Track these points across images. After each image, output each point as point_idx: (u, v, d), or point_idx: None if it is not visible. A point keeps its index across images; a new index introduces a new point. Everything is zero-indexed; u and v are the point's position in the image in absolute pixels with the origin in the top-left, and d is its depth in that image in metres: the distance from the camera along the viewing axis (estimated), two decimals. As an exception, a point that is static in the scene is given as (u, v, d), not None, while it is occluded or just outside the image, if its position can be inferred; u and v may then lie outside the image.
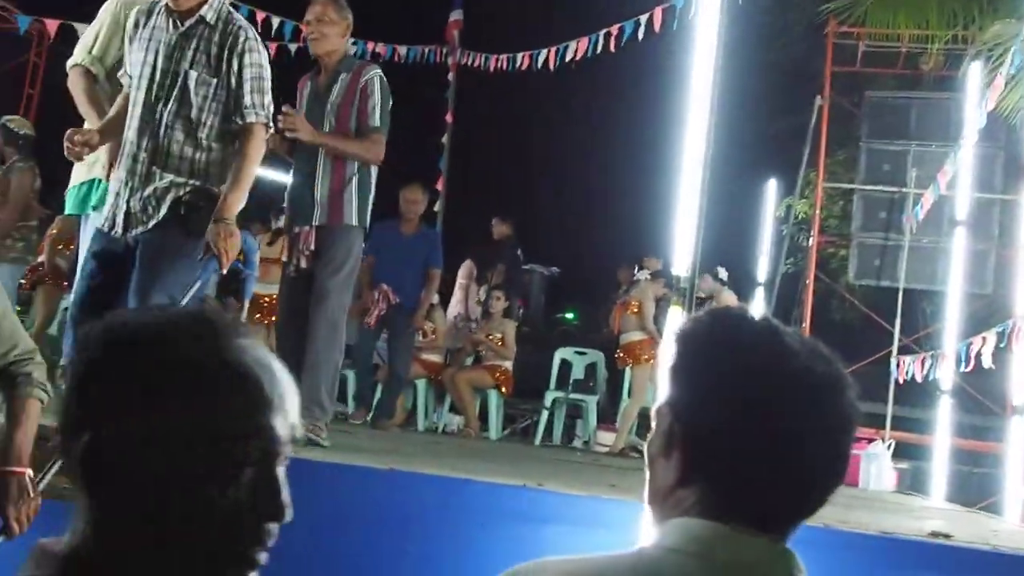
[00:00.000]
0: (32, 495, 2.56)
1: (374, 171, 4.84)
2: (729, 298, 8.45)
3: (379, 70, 4.86)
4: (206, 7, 3.50)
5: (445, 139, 12.69)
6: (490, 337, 8.48)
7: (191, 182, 3.49)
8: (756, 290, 11.86)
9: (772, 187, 12.23)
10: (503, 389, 8.38)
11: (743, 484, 1.17)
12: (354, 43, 11.18)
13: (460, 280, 9.74)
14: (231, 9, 3.60)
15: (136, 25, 3.62)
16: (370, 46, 11.27)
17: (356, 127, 4.74)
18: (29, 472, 2.56)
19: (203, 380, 1.00)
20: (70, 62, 4.27)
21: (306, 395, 4.46)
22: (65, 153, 3.59)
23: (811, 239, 10.52)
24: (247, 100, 3.50)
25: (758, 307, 11.51)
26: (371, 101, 4.71)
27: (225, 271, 3.55)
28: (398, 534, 3.39)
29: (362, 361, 7.75)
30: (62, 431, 1.02)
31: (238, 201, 3.48)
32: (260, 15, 9.87)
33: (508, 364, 8.46)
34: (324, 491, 3.59)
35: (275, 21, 10.04)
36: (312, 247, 4.64)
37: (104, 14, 4.27)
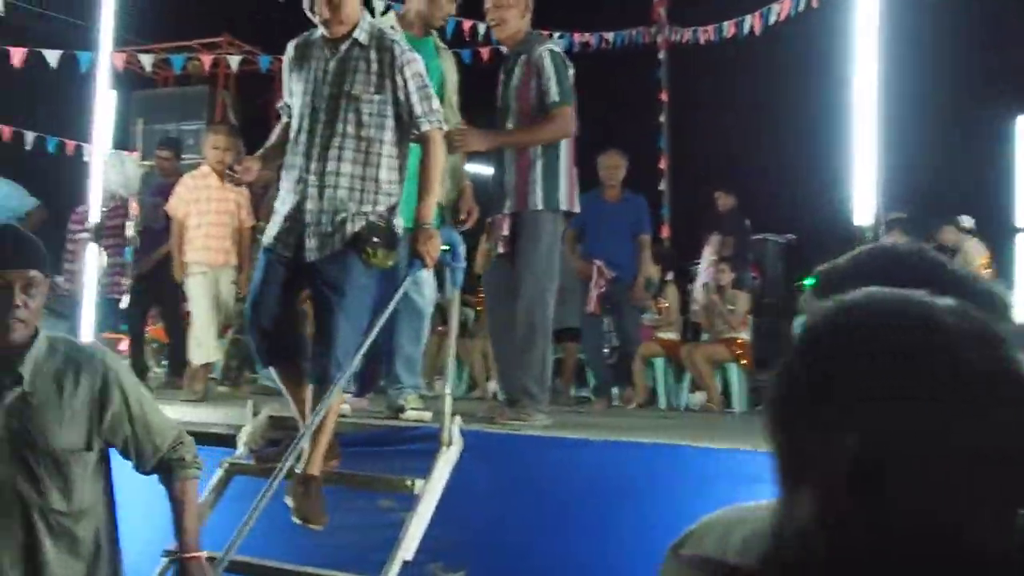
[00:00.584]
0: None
1: (564, 152, 4.78)
2: (975, 248, 7.90)
3: (552, 44, 4.86)
4: (358, 30, 3.66)
5: (663, 118, 12.73)
6: (729, 310, 8.40)
7: (364, 210, 3.63)
8: (1015, 237, 11.05)
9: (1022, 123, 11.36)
10: (743, 361, 8.28)
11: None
12: (560, 36, 11.39)
13: (710, 256, 9.63)
14: (381, 28, 3.78)
15: (293, 57, 3.81)
16: (576, 37, 11.43)
17: (538, 107, 4.73)
18: (204, 555, 2.83)
19: (990, 389, 0.83)
20: None
21: (515, 385, 4.65)
22: (227, 181, 3.89)
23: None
24: (418, 110, 3.65)
25: (1020, 255, 10.77)
26: (544, 77, 4.68)
27: (430, 269, 3.79)
28: (616, 500, 3.51)
29: (592, 350, 7.70)
30: (810, 424, 0.87)
31: (431, 205, 3.68)
32: (467, 22, 10.22)
33: (745, 336, 8.35)
34: (542, 463, 3.77)
35: (482, 27, 10.36)
36: (506, 233, 4.76)
37: None
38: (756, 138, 12.75)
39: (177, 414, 5.01)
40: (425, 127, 3.68)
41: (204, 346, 6.13)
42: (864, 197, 2.82)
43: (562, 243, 5.12)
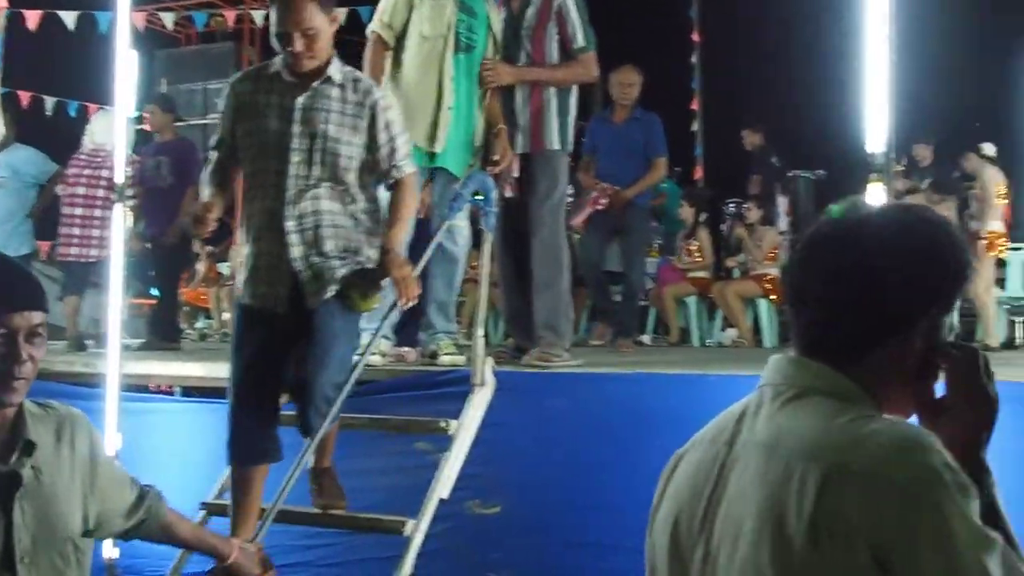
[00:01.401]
0: (256, 549, 2.81)
1: (574, 94, 4.89)
2: (993, 175, 7.74)
3: None
4: (332, 67, 3.37)
5: (695, 59, 12.65)
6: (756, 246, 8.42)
7: (346, 255, 3.39)
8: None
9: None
10: (772, 297, 8.28)
11: (795, 321, 1.40)
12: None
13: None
14: (353, 70, 3.51)
15: (246, 92, 3.44)
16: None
17: (562, 51, 4.80)
18: (238, 543, 2.72)
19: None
20: (369, 28, 4.59)
21: (539, 322, 4.66)
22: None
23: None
24: (399, 156, 3.44)
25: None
26: (569, 24, 4.77)
27: (408, 303, 3.44)
28: (646, 432, 3.56)
29: (590, 275, 7.17)
30: None
31: (401, 233, 3.51)
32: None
33: (775, 271, 8.35)
34: (572, 400, 3.84)
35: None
36: (516, 174, 4.77)
37: None
38: (786, 75, 12.63)
39: (214, 371, 5.15)
40: (406, 171, 3.48)
41: None
42: (877, 126, 2.82)
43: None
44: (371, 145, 3.41)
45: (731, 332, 8.52)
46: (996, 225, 7.61)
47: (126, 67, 4.76)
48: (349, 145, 3.37)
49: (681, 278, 8.68)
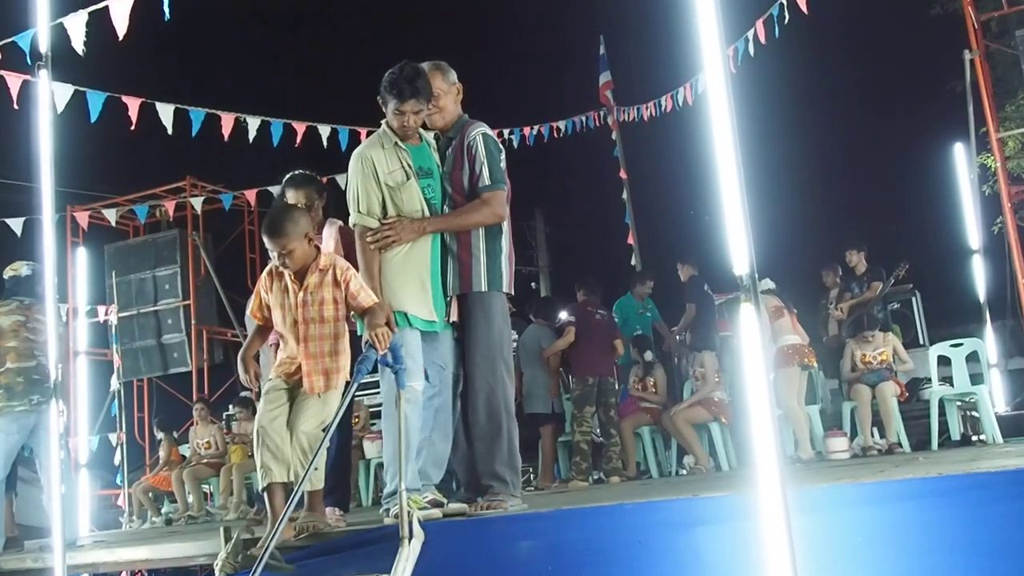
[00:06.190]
0: None
1: (505, 233, 4.80)
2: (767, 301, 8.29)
3: (483, 127, 4.81)
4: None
5: (625, 195, 13.08)
6: (694, 372, 8.59)
7: None
8: (971, 259, 11.31)
9: (959, 151, 11.69)
10: (723, 419, 8.41)
11: None
12: (511, 132, 11.77)
13: None
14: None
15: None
16: (526, 131, 11.81)
17: (470, 191, 4.72)
18: None
19: None
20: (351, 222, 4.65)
21: (483, 472, 4.59)
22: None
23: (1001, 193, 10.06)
24: None
25: (977, 276, 11.06)
26: (477, 162, 4.70)
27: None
28: (573, 565, 3.63)
29: None
30: None
31: None
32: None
33: (720, 394, 8.50)
34: (498, 543, 3.90)
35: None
36: (455, 318, 4.72)
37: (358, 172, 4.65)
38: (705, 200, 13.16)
39: (158, 553, 5.13)
40: None
41: None
42: (739, 252, 3.01)
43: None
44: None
45: (688, 459, 8.56)
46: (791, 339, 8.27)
47: (50, 264, 4.89)
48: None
49: (636, 408, 8.80)
